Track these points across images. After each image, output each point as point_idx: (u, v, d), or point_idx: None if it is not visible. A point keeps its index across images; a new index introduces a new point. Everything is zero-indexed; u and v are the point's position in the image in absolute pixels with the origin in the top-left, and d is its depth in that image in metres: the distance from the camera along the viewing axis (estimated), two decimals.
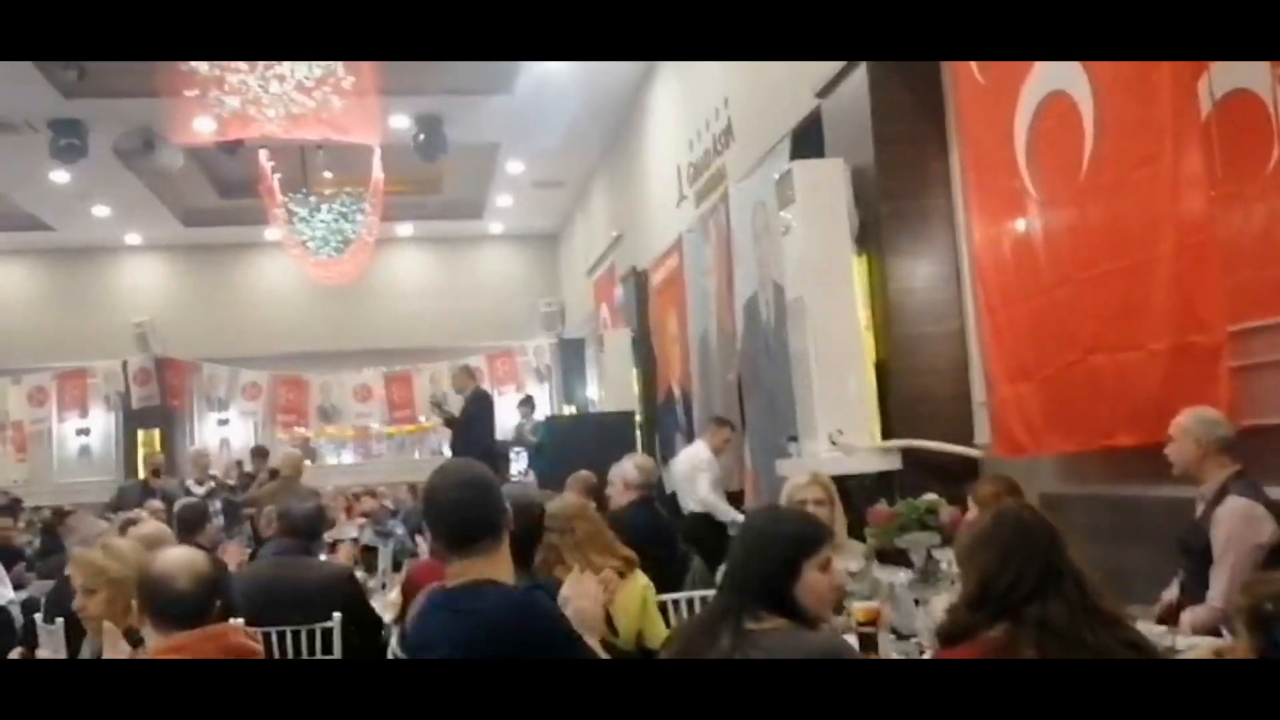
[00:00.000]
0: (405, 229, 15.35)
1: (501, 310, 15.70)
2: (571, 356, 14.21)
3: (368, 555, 7.98)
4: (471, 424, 8.91)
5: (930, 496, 3.56)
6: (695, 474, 7.37)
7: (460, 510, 2.56)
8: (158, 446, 14.79)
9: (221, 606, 2.69)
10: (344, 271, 12.42)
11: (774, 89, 7.13)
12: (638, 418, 10.29)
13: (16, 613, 5.94)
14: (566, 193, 14.33)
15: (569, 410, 13.96)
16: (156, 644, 2.60)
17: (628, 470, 5.67)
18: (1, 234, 14.51)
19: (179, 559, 2.65)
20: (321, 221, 11.74)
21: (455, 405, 9.24)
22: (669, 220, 9.93)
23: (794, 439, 5.92)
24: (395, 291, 15.69)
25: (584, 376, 13.72)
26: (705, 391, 8.61)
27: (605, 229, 12.75)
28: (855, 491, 5.09)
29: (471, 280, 16.09)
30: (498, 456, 7.84)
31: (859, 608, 3.02)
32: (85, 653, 3.56)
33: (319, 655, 4.28)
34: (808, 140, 6.46)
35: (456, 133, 11.13)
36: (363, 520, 10.07)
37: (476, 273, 16.23)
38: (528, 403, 12.74)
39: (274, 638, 4.10)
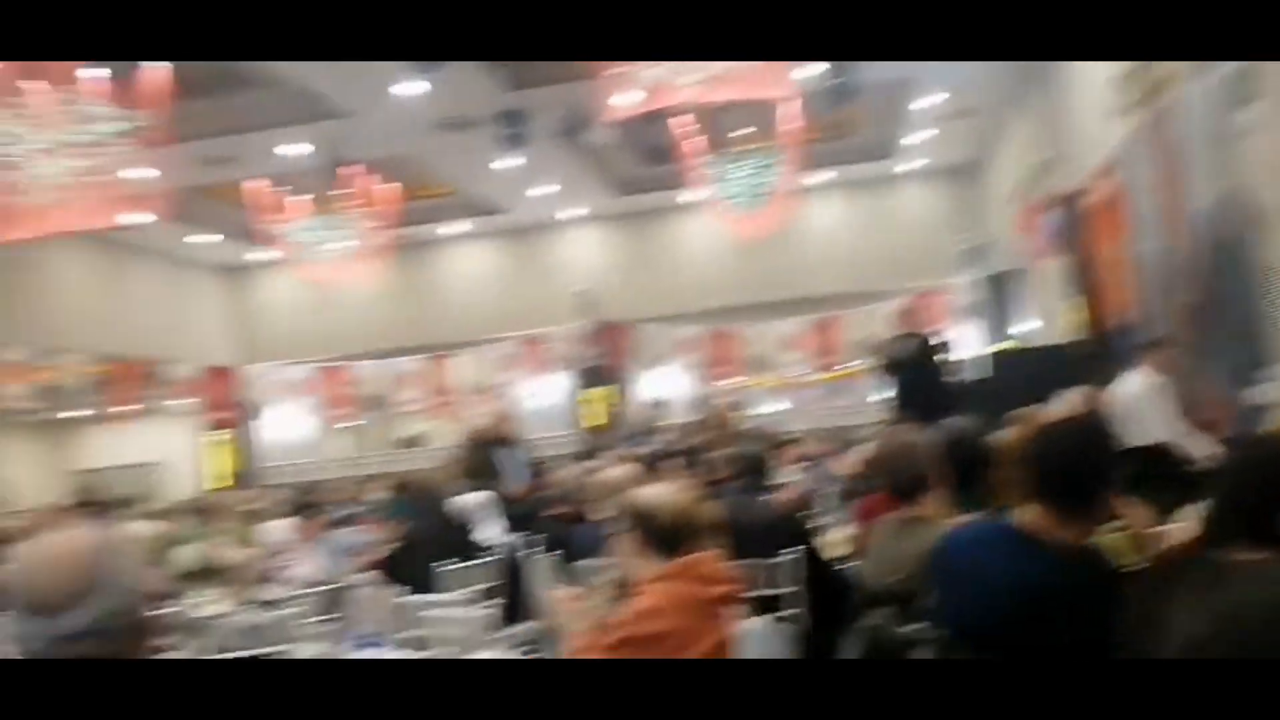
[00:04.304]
0: (820, 176, 15.43)
1: (923, 249, 15.39)
2: (1000, 292, 13.64)
3: (807, 499, 8.18)
4: (914, 367, 8.50)
5: None
6: (1140, 404, 6.83)
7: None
8: (607, 403, 16.10)
9: (698, 539, 2.92)
10: (765, 224, 12.76)
11: None
12: (1078, 351, 9.70)
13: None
14: (983, 121, 13.72)
15: (1001, 347, 13.41)
16: (647, 570, 2.88)
17: (1073, 403, 5.41)
18: (464, 219, 16.41)
19: (665, 495, 2.91)
20: (741, 177, 12.13)
21: (895, 351, 8.98)
22: (1101, 136, 9.21)
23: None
24: (815, 239, 15.88)
25: (1016, 311, 13.13)
26: (1153, 318, 7.95)
27: (1029, 154, 12.07)
28: None
29: (891, 220, 15.91)
30: (944, 399, 7.41)
31: None
32: None
33: (777, 589, 4.50)
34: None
35: (865, 74, 11.00)
36: (799, 465, 10.33)
37: (895, 212, 16.02)
38: (951, 342, 12.37)
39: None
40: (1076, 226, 10.05)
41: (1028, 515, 2.47)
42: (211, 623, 3.11)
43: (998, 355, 11.55)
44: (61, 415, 16.83)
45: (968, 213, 15.67)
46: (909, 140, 14.35)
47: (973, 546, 2.56)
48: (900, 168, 15.58)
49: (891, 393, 8.77)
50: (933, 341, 8.85)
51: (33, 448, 19.81)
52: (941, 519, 3.10)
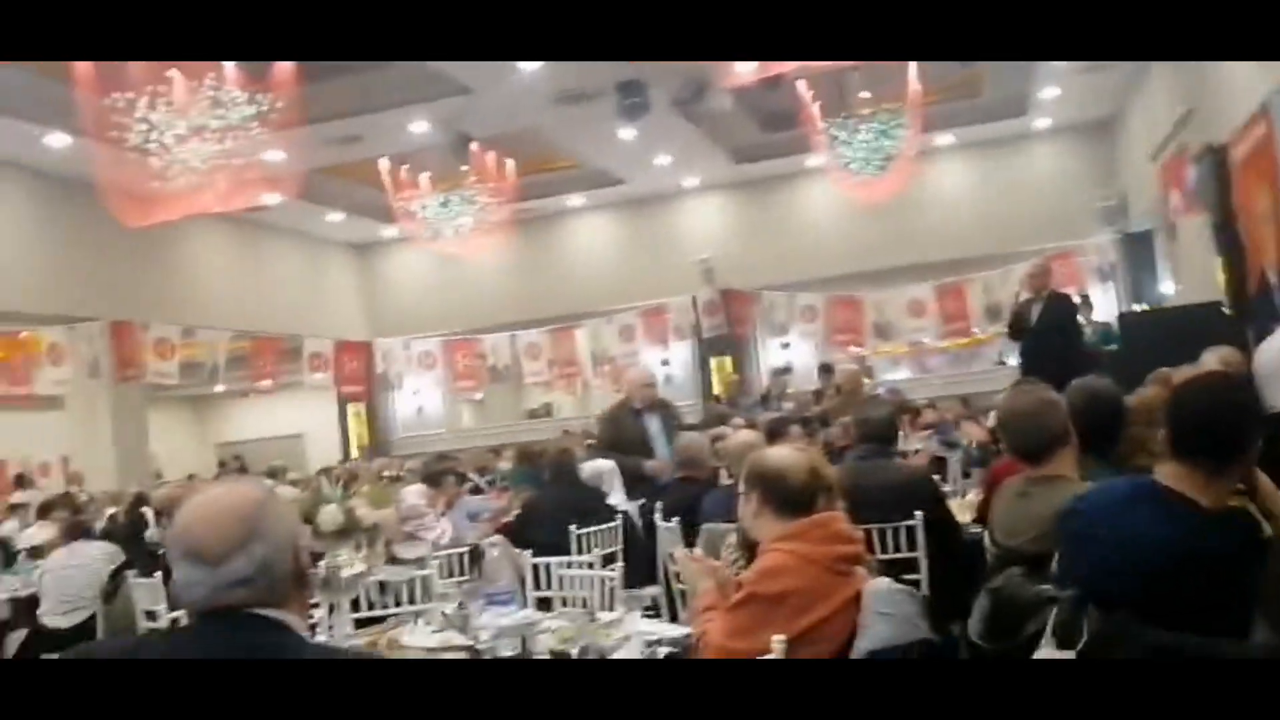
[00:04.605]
0: (945, 138, 15.07)
1: (1054, 209, 14.87)
2: (1138, 251, 13.16)
3: (936, 465, 8.07)
4: (1048, 330, 8.08)
5: None
6: None
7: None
8: (729, 371, 16.12)
9: (827, 498, 2.93)
10: (887, 188, 12.54)
11: None
12: (1225, 310, 9.29)
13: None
14: (1119, 73, 13.16)
15: (1138, 309, 12.95)
16: (772, 530, 2.90)
17: (1210, 365, 5.19)
18: (584, 192, 16.56)
19: (790, 456, 2.93)
20: (862, 142, 11.94)
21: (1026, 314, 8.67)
22: (1250, 84, 8.76)
23: None
24: (940, 202, 15.52)
25: (1154, 271, 12.64)
26: None
27: (1169, 106, 11.55)
28: None
29: (1019, 181, 15.42)
30: (1080, 361, 7.07)
31: None
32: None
33: (903, 553, 4.47)
34: None
35: None
36: (926, 432, 10.20)
37: (1024, 172, 15.51)
38: (1085, 303, 12.00)
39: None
40: (1221, 181, 9.60)
41: (1167, 475, 2.41)
42: (352, 579, 3.26)
43: (1135, 317, 11.15)
44: (206, 391, 17.68)
45: (1102, 170, 15.09)
46: (1038, 97, 13.88)
47: (1111, 506, 2.50)
48: (1030, 125, 15.08)
49: (1023, 358, 8.51)
50: (1066, 304, 8.56)
51: (180, 422, 20.87)
52: (1073, 479, 3.04)
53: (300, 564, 1.87)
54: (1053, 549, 2.71)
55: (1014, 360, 9.77)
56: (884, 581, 2.85)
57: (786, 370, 15.13)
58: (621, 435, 7.19)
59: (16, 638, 6.14)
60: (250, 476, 9.88)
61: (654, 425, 7.15)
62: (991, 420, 8.65)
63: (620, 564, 4.21)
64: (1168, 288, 12.49)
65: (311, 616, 3.22)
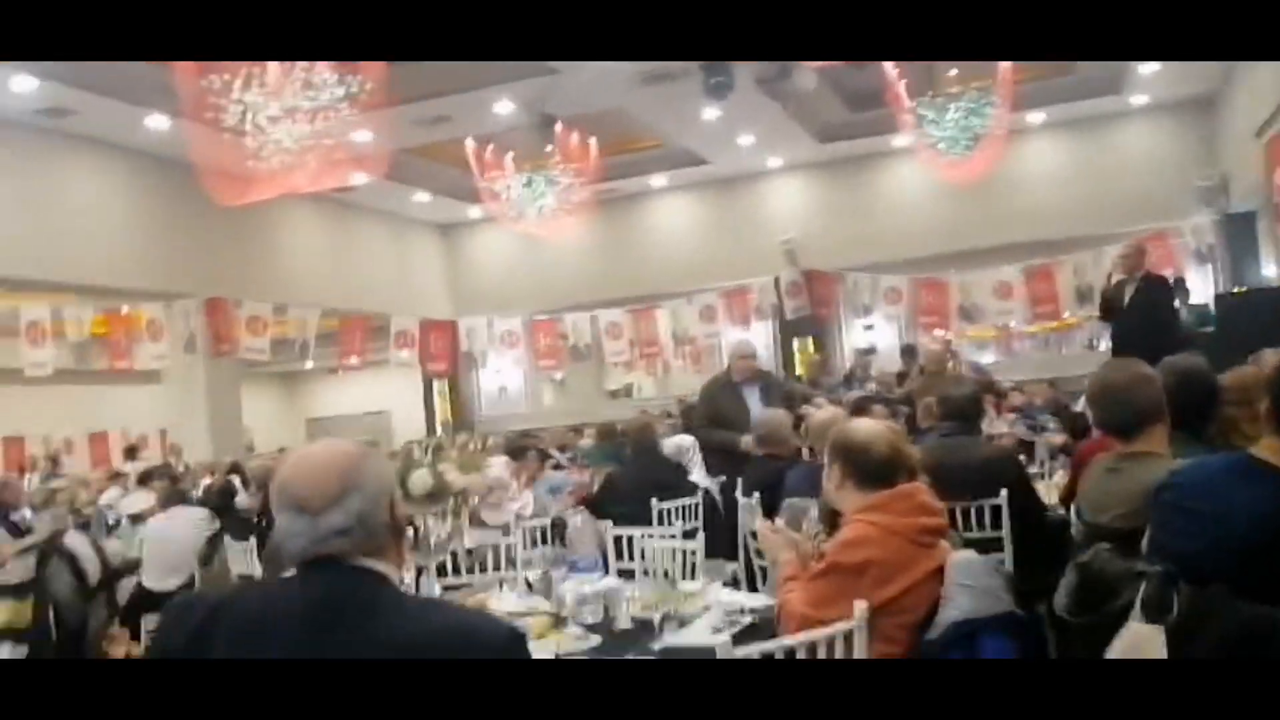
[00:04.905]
0: (1036, 116, 14.73)
1: (1149, 189, 14.44)
2: (1239, 233, 12.72)
3: (1023, 450, 7.95)
4: (1141, 311, 7.78)
5: None
6: None
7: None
8: (812, 352, 16.02)
9: (906, 472, 2.93)
10: (975, 168, 12.30)
11: None
12: None
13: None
14: None
15: (1237, 291, 12.54)
16: (855, 501, 2.91)
17: None
18: (668, 171, 16.55)
19: (874, 429, 2.94)
20: (950, 121, 11.72)
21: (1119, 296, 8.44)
22: None
23: None
24: (1030, 182, 15.18)
25: (1256, 254, 12.23)
26: None
27: (1275, 81, 11.15)
28: None
29: (1113, 160, 14.99)
30: (1174, 344, 6.77)
31: None
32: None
33: (987, 532, 4.43)
34: None
35: None
36: (1013, 416, 10.04)
37: (1118, 152, 15.08)
38: (1179, 286, 11.66)
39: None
40: None
41: (1266, 450, 2.36)
42: (441, 543, 3.35)
43: (1230, 299, 10.81)
44: (296, 367, 18.11)
45: (1202, 149, 14.60)
46: (1139, 72, 13.50)
47: (1207, 481, 2.46)
48: (1126, 103, 14.67)
49: (1115, 341, 8.29)
50: (1161, 286, 8.32)
51: (271, 398, 21.43)
52: (1164, 455, 2.99)
53: (396, 517, 1.93)
54: (1141, 525, 2.68)
55: (1105, 344, 9.53)
56: (967, 553, 2.84)
57: (871, 351, 15.00)
58: (719, 409, 6.93)
59: (127, 585, 6.36)
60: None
61: (754, 398, 6.91)
62: (1081, 404, 8.50)
63: (701, 535, 4.24)
64: (1270, 271, 12.08)
65: (402, 581, 3.31)
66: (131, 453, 14.61)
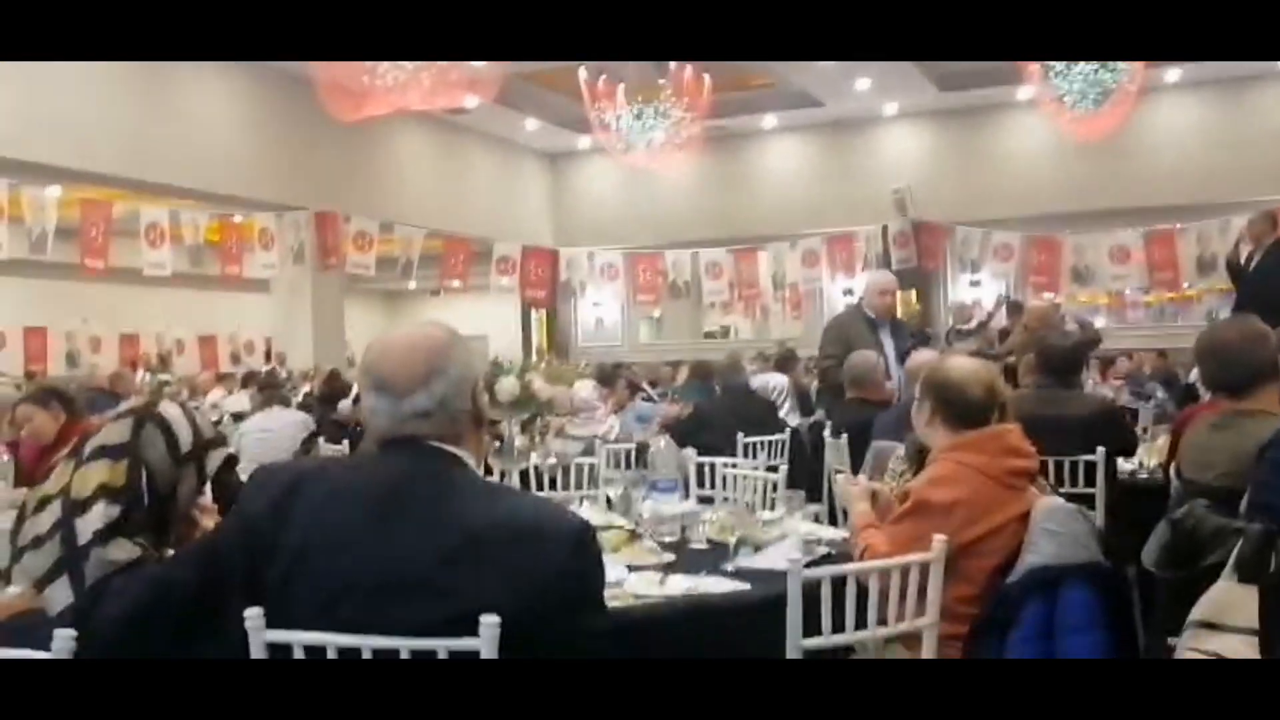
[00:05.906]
0: (1172, 73, 14.07)
1: None
2: None
3: (1122, 406, 7.73)
4: (1265, 275, 7.36)
5: None
6: None
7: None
8: (915, 303, 15.72)
9: (999, 413, 2.86)
10: (1102, 125, 11.84)
11: None
12: None
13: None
14: None
15: None
16: (944, 440, 2.85)
17: None
18: (780, 112, 16.28)
19: (970, 369, 2.88)
20: (1079, 74, 11.27)
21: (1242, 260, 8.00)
22: None
23: None
24: (1159, 144, 14.54)
25: None
26: None
27: None
28: None
29: (1249, 125, 14.23)
30: None
31: None
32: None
33: (1080, 488, 4.31)
34: None
35: None
36: (1119, 382, 9.78)
37: (1257, 116, 14.30)
38: None
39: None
40: None
41: None
42: (524, 449, 3.38)
43: None
44: (399, 286, 18.42)
45: None
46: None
47: None
48: (1271, 65, 13.86)
49: (1236, 309, 7.90)
50: None
51: (373, 314, 21.87)
52: (1275, 414, 2.86)
53: (479, 406, 1.95)
54: (1242, 487, 2.58)
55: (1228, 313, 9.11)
56: (1055, 499, 2.76)
57: (975, 306, 14.64)
58: (850, 346, 6.10)
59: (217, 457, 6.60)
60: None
61: (887, 340, 6.34)
62: (1193, 375, 8.20)
63: (785, 469, 4.22)
64: None
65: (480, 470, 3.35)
66: (238, 360, 15.11)
